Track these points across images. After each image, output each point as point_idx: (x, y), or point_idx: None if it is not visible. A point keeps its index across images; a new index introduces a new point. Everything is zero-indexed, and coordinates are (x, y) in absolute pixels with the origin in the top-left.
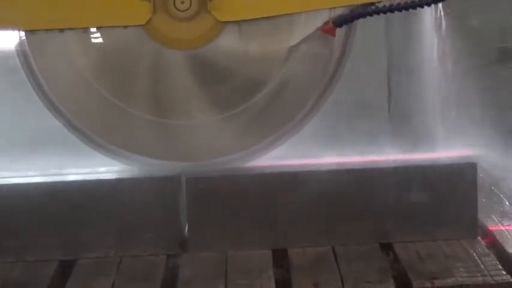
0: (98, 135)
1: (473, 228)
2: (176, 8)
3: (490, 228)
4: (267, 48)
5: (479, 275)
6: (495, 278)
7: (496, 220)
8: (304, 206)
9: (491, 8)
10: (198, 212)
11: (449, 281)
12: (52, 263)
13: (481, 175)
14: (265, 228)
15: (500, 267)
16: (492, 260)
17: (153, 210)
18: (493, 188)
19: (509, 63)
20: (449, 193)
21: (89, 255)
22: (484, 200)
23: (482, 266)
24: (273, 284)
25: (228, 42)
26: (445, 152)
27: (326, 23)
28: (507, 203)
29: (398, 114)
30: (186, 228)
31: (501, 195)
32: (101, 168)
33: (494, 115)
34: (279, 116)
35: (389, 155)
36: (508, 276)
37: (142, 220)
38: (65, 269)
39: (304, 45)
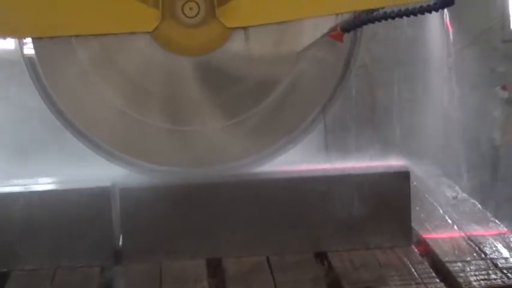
0: (109, 144)
1: (407, 236)
2: (184, 15)
3: (424, 236)
4: (276, 53)
5: (413, 283)
6: (429, 286)
7: (430, 228)
8: (239, 215)
9: None
10: (131, 223)
11: None
12: None
13: (415, 183)
14: (199, 238)
15: (433, 275)
16: (426, 268)
17: (87, 221)
18: (426, 195)
19: None
20: (383, 201)
21: (23, 267)
22: (417, 208)
23: (416, 274)
24: None
25: (236, 47)
26: (379, 161)
27: (334, 29)
28: (441, 211)
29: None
30: (121, 240)
31: (435, 203)
32: (42, 179)
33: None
34: (288, 120)
35: (323, 164)
36: (442, 284)
37: (76, 231)
38: (1, 278)
39: (312, 50)
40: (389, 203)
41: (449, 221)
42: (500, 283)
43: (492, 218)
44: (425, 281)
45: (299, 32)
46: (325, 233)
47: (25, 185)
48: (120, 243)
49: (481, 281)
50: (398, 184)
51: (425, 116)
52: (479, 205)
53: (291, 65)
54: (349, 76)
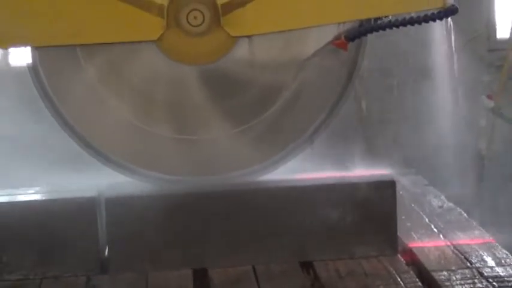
0: (120, 156)
1: (393, 245)
2: (189, 23)
3: (410, 245)
4: (281, 61)
5: None
6: None
7: (416, 237)
8: (225, 225)
9: None
10: (117, 233)
11: None
12: None
13: (401, 192)
14: (185, 248)
15: (419, 284)
16: (412, 277)
17: (73, 231)
18: (412, 205)
19: None
20: (369, 211)
21: (9, 277)
22: (403, 217)
23: (402, 284)
24: None
25: (241, 55)
26: (365, 170)
27: (338, 37)
28: (427, 220)
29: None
30: (107, 249)
31: (420, 213)
32: (28, 189)
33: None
34: (293, 128)
35: (309, 174)
36: None
37: (62, 241)
38: None
39: (317, 58)
40: (375, 212)
41: (435, 230)
42: None
43: (478, 227)
44: None
45: (304, 39)
46: (311, 243)
47: (10, 194)
48: (106, 252)
49: None
50: (384, 193)
51: (412, 125)
52: (464, 214)
53: (296, 72)
54: (353, 85)
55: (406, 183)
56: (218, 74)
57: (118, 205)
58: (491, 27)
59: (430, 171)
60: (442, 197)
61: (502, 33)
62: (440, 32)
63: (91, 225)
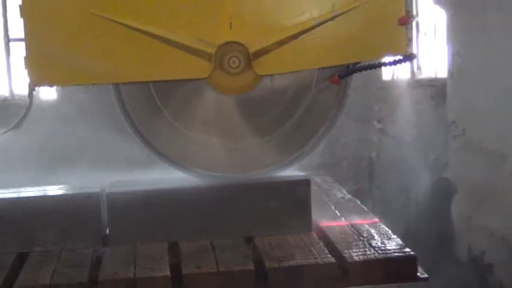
0: (189, 164)
1: (308, 225)
2: (229, 66)
3: (321, 225)
4: (295, 90)
5: (312, 257)
6: (323, 260)
7: (325, 219)
8: (192, 212)
9: None
10: (115, 218)
11: (292, 262)
12: (11, 254)
13: (315, 188)
14: (163, 229)
15: (326, 252)
16: (322, 247)
17: (83, 216)
18: (323, 197)
19: None
20: (293, 201)
21: (39, 249)
22: (316, 205)
23: (314, 251)
24: (167, 267)
25: (266, 87)
26: (290, 173)
27: (333, 76)
28: (332, 207)
29: None
30: (107, 229)
31: (328, 202)
32: (55, 187)
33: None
34: (302, 139)
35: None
36: (332, 258)
37: (76, 224)
38: (21, 258)
39: (318, 90)
40: (296, 201)
41: (338, 214)
42: (373, 257)
43: (368, 212)
44: (321, 256)
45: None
46: (252, 224)
47: (40, 190)
48: (107, 231)
49: (360, 256)
50: (303, 188)
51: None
52: (359, 203)
53: (306, 98)
54: (344, 106)
55: (318, 181)
56: (252, 100)
57: (115, 198)
58: (378, 71)
59: (336, 173)
60: (344, 191)
61: (386, 76)
62: None
63: (96, 212)
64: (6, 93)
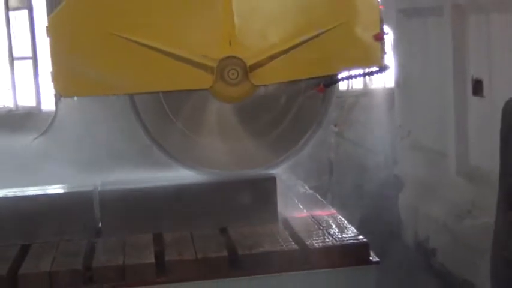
0: (197, 163)
1: (275, 217)
2: (229, 77)
3: (286, 216)
4: (288, 95)
5: (278, 245)
6: (288, 247)
7: (289, 211)
8: (175, 206)
9: None
10: (106, 213)
11: (261, 249)
12: (16, 246)
13: (281, 184)
14: (149, 221)
15: (290, 240)
16: (286, 236)
17: (79, 212)
18: (287, 191)
19: None
20: (261, 195)
21: (38, 240)
22: (282, 199)
23: (280, 240)
24: (153, 255)
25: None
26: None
27: (318, 85)
28: (296, 200)
29: None
30: (100, 223)
31: (293, 197)
32: (53, 186)
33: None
34: (292, 139)
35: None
36: (296, 246)
37: (72, 218)
38: (25, 249)
39: (305, 97)
40: (264, 196)
41: (301, 206)
42: (330, 244)
43: (327, 205)
44: (286, 244)
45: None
46: (226, 217)
47: (40, 189)
48: (100, 225)
49: (320, 243)
50: (270, 184)
51: None
52: (319, 197)
53: (297, 103)
54: (328, 111)
55: (283, 178)
56: (251, 107)
57: (106, 195)
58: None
59: (299, 171)
60: (306, 187)
61: (342, 87)
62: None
63: (89, 208)
64: (11, 105)
